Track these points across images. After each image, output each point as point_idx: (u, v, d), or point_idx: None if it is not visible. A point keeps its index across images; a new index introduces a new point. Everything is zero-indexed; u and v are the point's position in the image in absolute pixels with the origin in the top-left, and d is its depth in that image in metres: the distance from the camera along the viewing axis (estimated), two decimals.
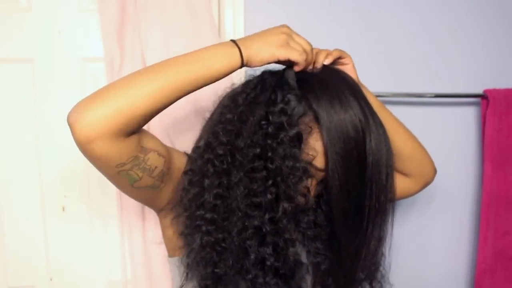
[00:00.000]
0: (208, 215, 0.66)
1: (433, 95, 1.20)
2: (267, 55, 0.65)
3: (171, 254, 0.82)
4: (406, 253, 1.30)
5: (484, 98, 1.22)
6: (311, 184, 0.70)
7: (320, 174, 0.69)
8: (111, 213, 1.21)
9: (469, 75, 1.25)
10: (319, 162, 0.66)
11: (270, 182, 0.63)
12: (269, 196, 0.63)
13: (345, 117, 0.63)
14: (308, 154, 0.65)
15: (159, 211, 0.78)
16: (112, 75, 1.10)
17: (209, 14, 1.11)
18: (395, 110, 1.25)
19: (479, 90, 1.23)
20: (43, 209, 1.21)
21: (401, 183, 0.88)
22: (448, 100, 1.26)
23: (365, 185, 0.65)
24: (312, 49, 0.70)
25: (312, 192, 0.71)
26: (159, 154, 0.66)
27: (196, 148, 0.72)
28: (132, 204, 1.13)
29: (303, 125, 0.65)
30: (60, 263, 1.23)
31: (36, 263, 1.22)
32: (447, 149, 1.27)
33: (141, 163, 0.64)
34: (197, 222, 0.67)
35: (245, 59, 0.64)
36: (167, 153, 0.69)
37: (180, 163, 0.73)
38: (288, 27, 0.69)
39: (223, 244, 0.66)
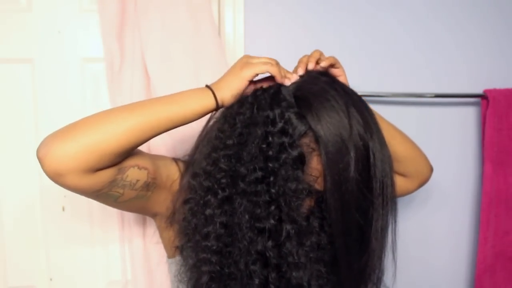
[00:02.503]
0: (214, 246, 0.64)
1: (433, 95, 1.20)
2: (236, 83, 0.66)
3: (170, 255, 0.82)
4: (406, 253, 1.30)
5: (484, 98, 1.22)
6: (310, 204, 0.68)
7: (319, 195, 0.67)
8: (111, 213, 1.21)
9: (469, 75, 1.25)
10: (319, 183, 0.64)
11: (273, 206, 0.61)
12: (272, 221, 0.61)
13: (346, 137, 0.60)
14: (310, 175, 0.63)
15: (153, 216, 0.78)
16: (112, 75, 1.10)
17: (209, 14, 1.11)
18: (395, 110, 1.26)
19: (479, 90, 1.23)
20: (43, 209, 1.21)
21: (397, 182, 0.87)
22: (448, 100, 1.26)
23: (367, 205, 0.62)
24: (277, 62, 0.69)
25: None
26: (139, 168, 0.64)
27: (194, 175, 0.69)
28: None
29: (304, 146, 0.62)
30: (60, 263, 1.23)
31: (36, 263, 1.22)
32: (447, 149, 1.27)
33: (119, 182, 0.62)
34: (204, 255, 0.65)
35: (219, 99, 0.65)
36: (150, 162, 0.67)
37: (168, 170, 0.72)
38: (246, 55, 0.70)
39: (227, 270, 0.64)
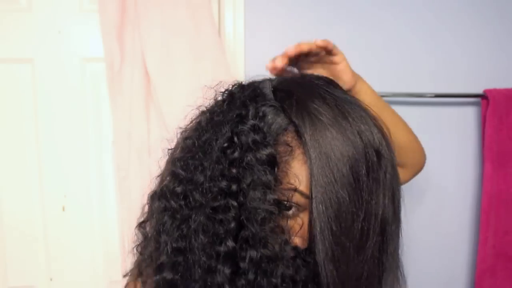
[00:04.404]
0: (168, 278, 0.50)
1: (433, 95, 1.20)
2: None
3: None
4: (406, 253, 1.30)
5: (484, 98, 1.22)
6: (301, 222, 0.49)
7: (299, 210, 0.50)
8: (111, 213, 1.21)
9: (470, 75, 1.25)
10: (305, 189, 0.47)
11: (234, 224, 0.47)
12: (230, 243, 0.46)
13: (346, 127, 0.45)
14: (288, 183, 0.47)
15: None
16: (112, 75, 1.10)
17: (209, 14, 1.11)
18: (395, 110, 1.25)
19: (479, 90, 1.23)
20: (43, 209, 1.21)
21: None
22: (448, 100, 1.26)
23: (368, 231, 0.46)
24: None
25: (304, 238, 0.50)
26: None
27: (152, 194, 0.56)
28: (133, 204, 1.13)
29: (282, 145, 0.47)
30: (60, 263, 1.23)
31: (36, 263, 1.22)
32: (447, 149, 1.27)
33: None
34: None
35: None
36: None
37: None
38: None
39: None
